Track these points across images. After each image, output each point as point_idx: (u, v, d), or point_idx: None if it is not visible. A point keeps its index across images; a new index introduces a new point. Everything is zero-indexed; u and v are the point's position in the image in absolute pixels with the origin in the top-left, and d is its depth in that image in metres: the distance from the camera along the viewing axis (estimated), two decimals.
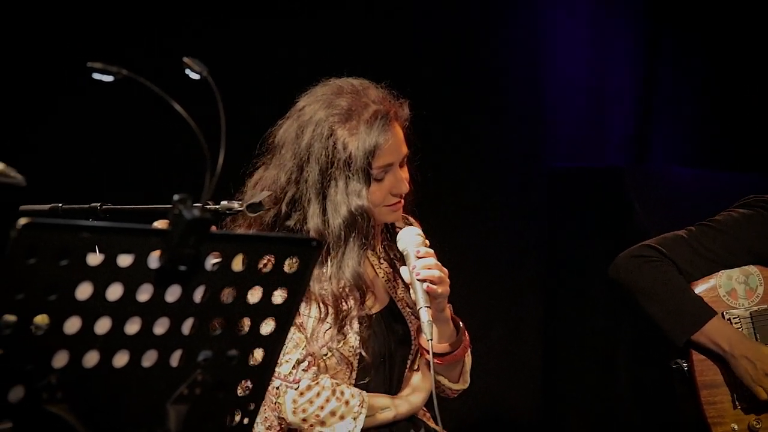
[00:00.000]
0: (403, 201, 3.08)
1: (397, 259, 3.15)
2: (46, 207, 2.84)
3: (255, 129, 3.13)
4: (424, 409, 3.16)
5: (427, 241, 3.06)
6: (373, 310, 3.11)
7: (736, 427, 3.57)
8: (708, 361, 3.59)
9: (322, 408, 2.96)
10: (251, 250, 1.94)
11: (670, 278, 3.61)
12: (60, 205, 2.85)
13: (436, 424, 3.01)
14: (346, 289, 3.01)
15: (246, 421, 2.05)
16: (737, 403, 3.59)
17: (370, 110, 3.00)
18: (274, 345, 2.04)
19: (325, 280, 3.01)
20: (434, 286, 2.95)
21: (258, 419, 2.92)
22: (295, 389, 2.95)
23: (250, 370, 2.04)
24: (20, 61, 4.11)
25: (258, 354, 2.04)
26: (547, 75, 5.51)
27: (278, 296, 2.01)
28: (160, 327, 1.87)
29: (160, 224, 2.58)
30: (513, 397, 5.38)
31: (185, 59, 2.02)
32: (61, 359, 1.79)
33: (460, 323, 3.13)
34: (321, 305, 2.99)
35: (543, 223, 5.47)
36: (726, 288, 3.63)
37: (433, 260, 2.99)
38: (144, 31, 4.25)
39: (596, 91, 5.74)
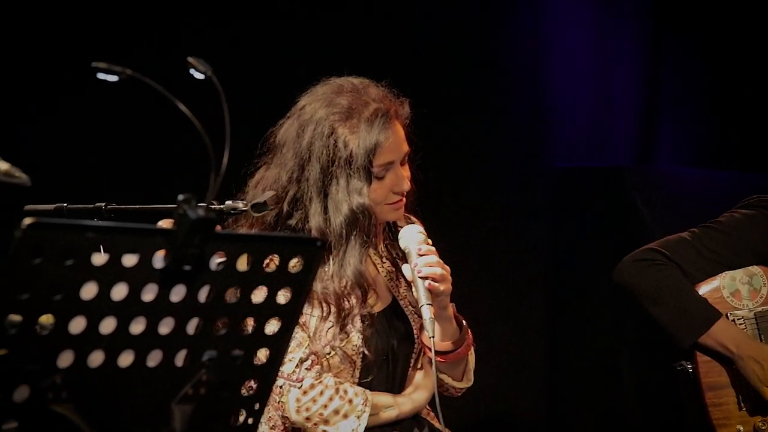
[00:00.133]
0: (404, 199, 3.09)
1: (399, 258, 3.15)
2: (50, 207, 2.84)
3: (256, 129, 3.13)
4: (428, 408, 3.17)
5: (429, 240, 3.06)
6: (376, 309, 3.11)
7: (741, 428, 3.57)
8: (713, 363, 3.59)
9: (325, 406, 2.96)
10: (256, 250, 1.94)
11: (674, 281, 3.61)
12: (65, 205, 2.85)
13: (439, 422, 3.01)
14: (348, 288, 3.01)
15: (251, 421, 2.05)
16: (742, 404, 3.59)
17: (371, 108, 3.01)
18: (279, 345, 2.04)
19: (327, 278, 3.01)
20: (436, 284, 2.95)
21: (262, 419, 2.92)
22: (299, 388, 2.96)
23: (255, 370, 2.04)
24: (24, 60, 4.11)
25: (262, 354, 2.04)
26: (549, 74, 5.50)
27: (283, 296, 2.01)
28: (165, 327, 1.87)
29: (164, 224, 2.58)
30: (516, 396, 5.38)
31: (190, 59, 2.02)
32: (66, 359, 1.79)
33: (463, 321, 3.13)
34: (323, 304, 2.99)
35: (546, 223, 5.47)
36: (730, 289, 3.63)
37: (434, 258, 2.99)
38: (144, 32, 4.25)
39: (599, 90, 5.74)
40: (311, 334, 2.99)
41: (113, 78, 1.97)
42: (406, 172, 3.08)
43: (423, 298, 2.93)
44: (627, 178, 5.32)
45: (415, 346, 3.15)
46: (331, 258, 3.02)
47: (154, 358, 1.88)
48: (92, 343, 1.81)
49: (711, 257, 3.65)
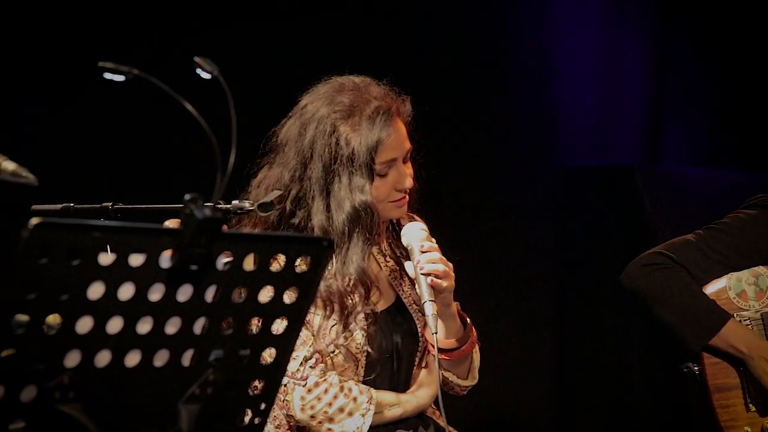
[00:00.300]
0: (407, 197, 3.09)
1: (403, 256, 3.16)
2: (57, 207, 2.84)
3: (258, 129, 3.14)
4: (434, 406, 3.17)
5: (432, 238, 3.07)
6: (380, 308, 3.12)
7: (749, 430, 3.57)
8: (720, 365, 3.59)
9: (330, 405, 2.96)
10: (262, 249, 1.94)
11: (682, 284, 3.61)
12: (72, 204, 2.85)
13: (443, 420, 3.01)
14: (351, 285, 3.01)
15: (257, 420, 2.05)
16: (750, 406, 3.58)
17: (372, 106, 3.02)
18: (286, 344, 2.04)
19: (330, 276, 3.01)
20: (438, 280, 2.96)
21: None
22: (303, 386, 2.96)
23: (262, 370, 2.03)
24: (30, 60, 4.12)
25: (269, 354, 2.04)
26: (555, 73, 5.50)
27: (289, 296, 2.01)
28: (172, 326, 1.87)
29: (171, 224, 2.58)
30: (522, 395, 5.37)
31: (196, 59, 2.02)
32: (73, 359, 1.79)
33: (467, 319, 3.13)
34: (327, 302, 3.00)
35: (552, 222, 5.46)
36: (736, 290, 3.62)
37: (437, 254, 3.00)
38: (144, 32, 4.25)
39: (605, 89, 5.73)
40: (315, 333, 2.99)
41: (120, 78, 1.97)
42: (408, 169, 3.08)
43: (425, 294, 2.94)
44: (633, 177, 5.31)
45: (420, 344, 3.15)
46: (334, 256, 3.03)
47: (160, 358, 1.88)
48: (99, 343, 1.81)
49: (717, 259, 3.65)
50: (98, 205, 2.85)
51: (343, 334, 3.00)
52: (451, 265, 3.01)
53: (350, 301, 3.01)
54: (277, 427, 3.02)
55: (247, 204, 2.85)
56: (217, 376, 1.94)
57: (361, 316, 3.03)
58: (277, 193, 2.96)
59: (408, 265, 3.03)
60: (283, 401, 2.97)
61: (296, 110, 3.10)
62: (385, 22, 4.89)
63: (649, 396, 5.27)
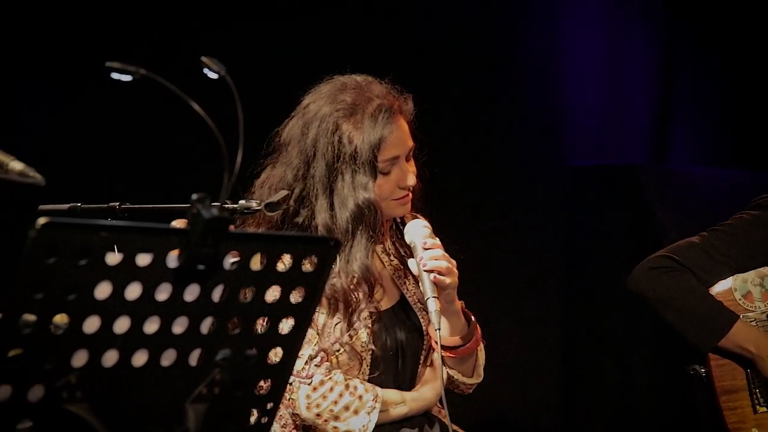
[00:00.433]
0: (410, 195, 3.10)
1: (407, 255, 3.16)
2: (65, 206, 2.85)
3: (259, 129, 3.14)
4: (439, 405, 3.17)
5: (435, 236, 3.07)
6: (384, 306, 3.12)
7: (756, 431, 3.56)
8: (726, 366, 3.59)
9: (335, 403, 2.96)
10: (269, 249, 1.95)
11: (689, 287, 3.61)
12: (79, 204, 2.85)
13: (446, 417, 3.00)
14: (355, 283, 3.02)
15: (265, 420, 2.05)
16: (758, 407, 3.58)
17: (374, 104, 3.03)
18: (293, 344, 2.05)
19: (334, 275, 3.02)
20: (442, 277, 2.96)
21: None
22: (308, 384, 2.96)
23: (269, 370, 2.04)
24: (36, 60, 4.12)
25: (276, 353, 2.04)
26: (563, 73, 5.50)
27: (296, 295, 2.01)
28: (179, 326, 1.87)
29: (178, 223, 2.58)
30: (528, 394, 5.37)
31: (203, 59, 2.02)
32: (80, 358, 1.80)
33: (472, 317, 3.14)
34: (331, 300, 3.00)
35: (559, 222, 5.46)
36: (741, 291, 3.62)
37: (440, 251, 3.00)
38: (144, 32, 4.26)
39: (614, 89, 5.73)
40: (320, 331, 3.00)
41: (127, 78, 1.97)
42: (411, 167, 3.09)
43: (429, 291, 2.95)
44: (641, 176, 5.31)
45: (424, 342, 3.16)
46: (337, 254, 3.03)
47: (168, 358, 1.88)
48: (106, 343, 1.81)
49: (722, 260, 3.65)
50: (105, 205, 2.85)
51: (348, 333, 3.00)
52: (454, 262, 3.01)
53: (354, 299, 3.02)
54: (282, 426, 3.03)
55: (254, 204, 2.86)
56: (224, 375, 1.94)
57: (366, 314, 3.03)
58: (283, 192, 2.97)
59: (411, 263, 3.04)
60: (289, 400, 2.97)
61: (299, 110, 3.11)
62: (390, 22, 4.90)
63: (654, 397, 5.26)
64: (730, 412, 3.59)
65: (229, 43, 4.33)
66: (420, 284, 3.00)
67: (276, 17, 4.58)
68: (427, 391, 3.13)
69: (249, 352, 1.99)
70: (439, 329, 2.90)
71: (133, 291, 1.80)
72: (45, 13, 4.14)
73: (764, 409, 3.58)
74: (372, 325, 3.05)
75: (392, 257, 3.19)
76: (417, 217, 3.17)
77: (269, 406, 2.06)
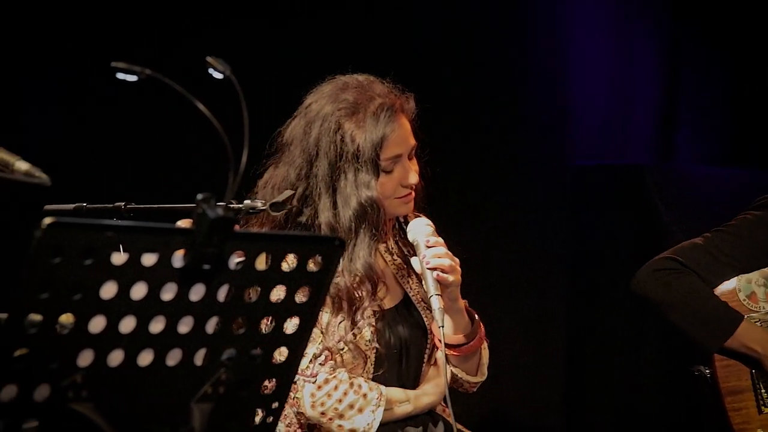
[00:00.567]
0: (413, 193, 3.11)
1: (410, 255, 3.16)
2: (70, 206, 2.85)
3: (261, 130, 3.14)
4: (443, 404, 3.17)
5: (437, 235, 3.07)
6: (387, 305, 3.13)
7: None
8: (731, 367, 3.59)
9: (340, 401, 2.97)
10: (274, 249, 1.95)
11: (694, 288, 3.61)
12: (84, 204, 2.86)
13: (450, 415, 3.01)
14: (358, 281, 3.02)
15: (270, 419, 2.06)
16: (762, 408, 3.57)
17: (376, 103, 3.05)
18: (297, 344, 2.05)
19: (337, 273, 3.02)
20: (445, 275, 2.96)
21: None
22: (313, 383, 2.97)
23: (274, 369, 2.04)
24: (41, 60, 4.13)
25: (281, 353, 2.04)
26: (568, 73, 5.49)
27: (301, 295, 2.02)
28: (185, 326, 1.87)
29: (183, 223, 2.58)
30: (532, 394, 5.37)
31: (209, 59, 2.03)
32: (86, 358, 1.80)
33: (476, 315, 3.14)
34: (334, 299, 3.01)
35: (564, 221, 5.46)
36: (746, 292, 3.62)
37: (443, 249, 3.01)
38: (144, 32, 4.26)
39: (619, 88, 5.73)
40: (324, 330, 3.00)
41: (132, 78, 1.97)
42: (414, 166, 3.11)
43: (432, 288, 2.95)
44: (646, 176, 5.31)
45: (428, 340, 3.16)
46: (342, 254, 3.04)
47: (173, 357, 1.89)
48: (112, 342, 1.81)
49: (727, 261, 3.65)
50: (111, 205, 2.86)
51: (352, 331, 3.01)
52: (457, 260, 3.02)
53: (358, 297, 3.02)
54: (287, 426, 3.03)
55: (259, 204, 2.87)
56: (230, 375, 1.95)
57: (369, 312, 3.04)
58: (288, 192, 2.98)
59: (414, 261, 3.05)
60: (293, 398, 2.98)
61: (301, 109, 3.13)
62: (392, 21, 4.90)
63: (658, 397, 5.26)
64: (735, 413, 3.59)
65: (230, 44, 4.33)
66: (423, 282, 3.01)
67: (277, 17, 4.59)
68: (431, 390, 3.13)
69: (254, 351, 1.99)
70: (443, 327, 2.91)
71: (139, 291, 1.80)
72: (51, 14, 4.15)
73: None
74: (376, 323, 3.06)
75: (395, 256, 3.20)
76: (419, 216, 3.17)
77: (274, 405, 2.06)
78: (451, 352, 3.09)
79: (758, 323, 3.59)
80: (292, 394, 2.97)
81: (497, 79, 5.24)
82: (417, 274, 3.11)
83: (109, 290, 1.78)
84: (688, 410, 5.06)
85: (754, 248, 3.66)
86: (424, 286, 3.00)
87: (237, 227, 1.88)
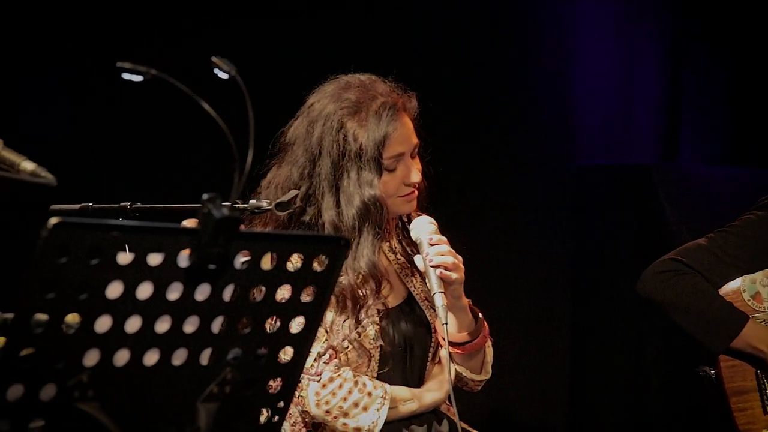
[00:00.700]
0: (416, 192, 3.11)
1: (413, 254, 3.17)
2: (76, 206, 2.85)
3: (263, 129, 3.15)
4: (448, 403, 3.17)
5: (440, 234, 3.08)
6: (391, 304, 3.14)
7: None
8: (735, 368, 3.59)
9: (345, 399, 2.97)
10: (280, 248, 1.95)
11: (699, 289, 3.61)
12: (90, 204, 2.86)
13: (455, 413, 3.01)
14: (361, 279, 3.03)
15: (276, 419, 2.06)
16: None
17: (378, 102, 3.06)
18: (303, 343, 2.05)
19: (341, 272, 3.02)
20: (448, 272, 2.97)
21: None
22: (318, 381, 2.97)
23: (280, 368, 2.04)
24: (46, 60, 4.13)
25: (287, 352, 2.05)
26: (574, 72, 5.49)
27: (307, 294, 2.02)
28: (190, 325, 1.88)
29: (189, 223, 2.59)
30: (536, 394, 5.37)
31: (214, 59, 2.03)
32: (92, 358, 1.80)
33: (479, 314, 3.14)
34: (338, 297, 3.01)
35: (569, 221, 5.46)
36: (750, 292, 3.62)
37: (446, 247, 3.01)
38: (145, 32, 4.26)
39: (624, 87, 5.72)
40: (328, 328, 3.01)
41: (138, 78, 1.97)
42: (416, 164, 3.11)
43: (435, 286, 2.96)
44: (650, 176, 5.30)
45: (432, 339, 3.16)
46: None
47: (179, 357, 1.89)
48: (118, 342, 1.82)
49: (731, 262, 3.65)
50: (116, 205, 2.86)
51: (356, 330, 3.01)
52: (460, 257, 3.02)
53: (361, 295, 3.03)
54: (292, 425, 3.03)
55: (264, 203, 2.87)
56: (235, 374, 1.95)
57: (373, 310, 3.04)
58: (294, 192, 2.99)
59: (417, 259, 3.05)
60: (298, 397, 2.98)
61: (303, 109, 3.14)
62: (397, 20, 4.90)
63: (663, 396, 5.26)
64: (740, 413, 3.59)
65: (230, 44, 4.33)
66: (426, 280, 3.02)
67: (278, 17, 4.59)
68: (436, 389, 3.13)
69: (260, 351, 1.99)
70: (446, 324, 2.91)
71: (145, 290, 1.81)
72: (57, 14, 4.15)
73: None
74: (380, 322, 3.06)
75: (399, 255, 3.21)
76: (422, 215, 3.18)
77: (280, 404, 2.06)
78: (455, 350, 3.09)
79: (763, 323, 3.59)
80: (296, 393, 2.97)
81: (500, 78, 5.24)
82: (420, 273, 3.12)
83: (114, 290, 1.78)
84: (692, 410, 5.06)
85: (758, 248, 3.66)
86: (428, 284, 3.01)
87: (243, 227, 1.88)
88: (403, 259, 3.20)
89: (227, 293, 1.90)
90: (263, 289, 1.95)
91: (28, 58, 4.10)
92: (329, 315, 3.02)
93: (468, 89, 5.10)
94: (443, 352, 3.10)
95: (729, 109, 5.93)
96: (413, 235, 3.08)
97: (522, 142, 5.34)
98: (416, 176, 3.09)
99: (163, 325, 1.85)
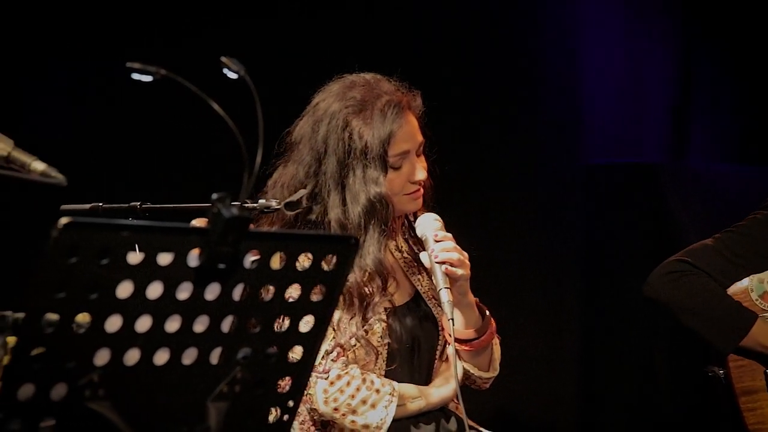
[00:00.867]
0: (422, 189, 3.12)
1: (419, 252, 3.17)
2: (86, 206, 2.86)
3: (272, 129, 3.15)
4: (456, 401, 3.17)
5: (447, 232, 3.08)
6: (398, 302, 3.14)
7: None
8: (745, 368, 3.59)
9: (353, 397, 2.98)
10: (289, 248, 1.95)
11: (706, 289, 3.61)
12: (100, 204, 2.87)
13: (462, 411, 3.01)
14: (368, 277, 3.03)
15: (286, 417, 2.06)
16: None
17: (383, 100, 3.07)
18: (313, 342, 2.05)
19: None
20: (453, 269, 2.97)
21: None
22: (326, 379, 2.98)
23: (289, 367, 2.04)
24: (54, 60, 4.14)
25: (297, 351, 2.05)
26: (581, 71, 5.49)
27: (316, 293, 2.02)
28: (200, 325, 1.88)
29: (198, 222, 2.60)
30: (545, 392, 5.37)
31: (223, 59, 2.03)
32: (102, 357, 1.81)
33: (486, 311, 3.14)
34: (345, 295, 3.02)
35: (578, 220, 5.45)
36: (758, 291, 3.62)
37: (451, 243, 3.02)
38: (144, 33, 4.27)
39: (633, 86, 5.72)
40: (336, 326, 3.01)
41: (147, 78, 1.98)
42: (422, 162, 3.12)
43: (441, 282, 2.97)
44: (660, 174, 5.30)
45: (440, 336, 3.17)
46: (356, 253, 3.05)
47: (189, 356, 1.89)
48: (128, 342, 1.82)
49: (738, 262, 3.64)
50: (126, 205, 2.87)
51: (363, 327, 3.02)
52: (465, 254, 3.03)
53: (368, 293, 3.03)
54: (301, 423, 3.04)
55: (273, 203, 2.88)
56: (245, 374, 1.95)
57: (381, 308, 3.05)
58: (303, 192, 3.00)
59: (423, 255, 3.06)
60: (306, 395, 2.99)
61: (309, 108, 3.15)
62: (403, 19, 4.90)
63: (672, 393, 5.25)
64: (750, 413, 3.58)
65: (231, 44, 4.33)
66: (432, 277, 3.02)
67: (278, 18, 4.59)
68: (443, 386, 3.13)
69: (269, 350, 2.00)
70: (452, 319, 2.91)
71: (155, 290, 1.81)
72: (66, 15, 4.16)
73: None
74: (387, 319, 3.06)
75: (405, 253, 3.21)
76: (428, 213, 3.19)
77: (290, 403, 2.07)
78: (463, 347, 3.09)
79: None
80: (304, 391, 2.97)
81: (509, 77, 5.24)
82: (427, 270, 3.12)
83: (125, 290, 1.79)
84: (702, 407, 5.05)
85: (765, 248, 3.65)
86: (434, 281, 3.01)
87: (252, 226, 1.89)
88: (409, 257, 3.21)
89: (237, 293, 1.90)
90: (273, 288, 1.95)
91: (27, 58, 4.10)
92: (336, 313, 3.02)
93: (476, 88, 5.09)
94: (450, 349, 3.10)
95: (738, 108, 5.92)
96: (419, 231, 3.09)
97: (532, 141, 5.33)
98: (421, 174, 3.10)
99: (173, 325, 1.85)
